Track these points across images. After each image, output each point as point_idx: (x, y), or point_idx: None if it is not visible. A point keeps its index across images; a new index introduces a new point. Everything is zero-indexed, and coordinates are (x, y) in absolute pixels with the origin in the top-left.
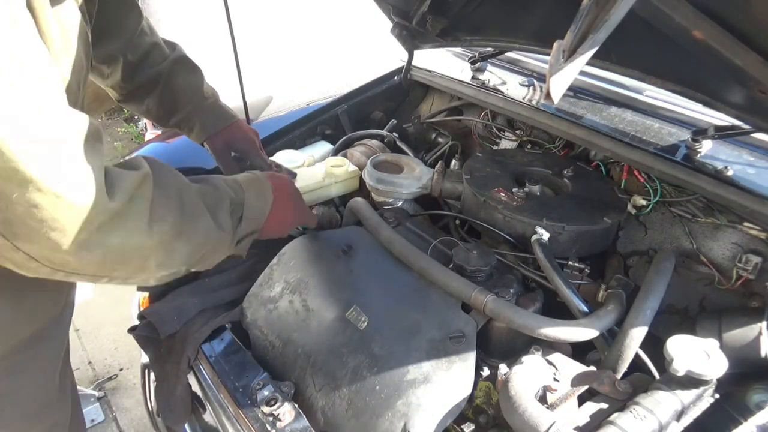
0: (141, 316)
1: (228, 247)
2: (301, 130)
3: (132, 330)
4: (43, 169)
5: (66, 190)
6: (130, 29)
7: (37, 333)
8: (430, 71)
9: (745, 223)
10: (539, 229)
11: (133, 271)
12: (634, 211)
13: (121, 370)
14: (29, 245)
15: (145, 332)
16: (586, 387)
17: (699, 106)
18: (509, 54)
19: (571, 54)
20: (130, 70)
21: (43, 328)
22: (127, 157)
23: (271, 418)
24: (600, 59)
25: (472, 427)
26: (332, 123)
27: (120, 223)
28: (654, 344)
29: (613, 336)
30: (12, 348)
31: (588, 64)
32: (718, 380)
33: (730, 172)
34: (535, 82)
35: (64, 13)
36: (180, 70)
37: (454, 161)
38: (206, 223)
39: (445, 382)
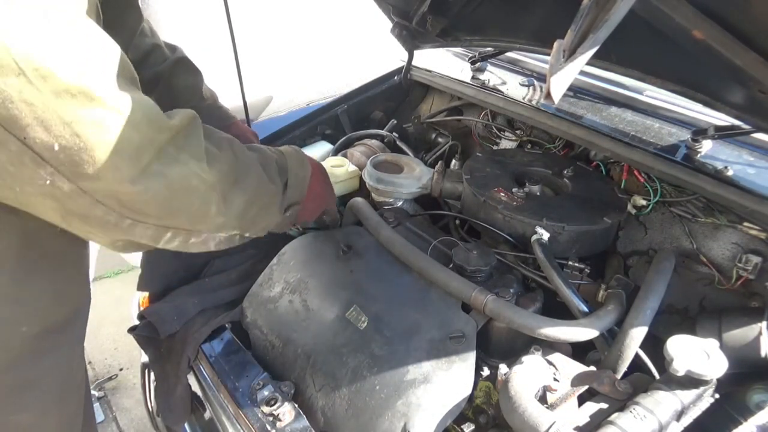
0: (141, 316)
1: (278, 208)
2: (301, 130)
3: (132, 330)
4: (106, 88)
5: (128, 107)
6: (131, 28)
7: (68, 317)
8: (430, 71)
9: (745, 223)
10: (539, 229)
11: (195, 218)
12: (634, 211)
13: (121, 370)
14: (95, 182)
15: (145, 332)
16: (586, 387)
17: (699, 106)
18: (509, 54)
19: (571, 54)
20: None
21: (74, 312)
22: None
23: (271, 418)
24: (600, 59)
25: (472, 427)
26: (332, 123)
27: (180, 150)
28: (654, 344)
29: (613, 336)
30: (44, 329)
31: (588, 64)
32: (718, 380)
33: (730, 172)
34: (535, 82)
35: None
36: (179, 71)
37: (454, 161)
38: (258, 174)
39: (445, 382)
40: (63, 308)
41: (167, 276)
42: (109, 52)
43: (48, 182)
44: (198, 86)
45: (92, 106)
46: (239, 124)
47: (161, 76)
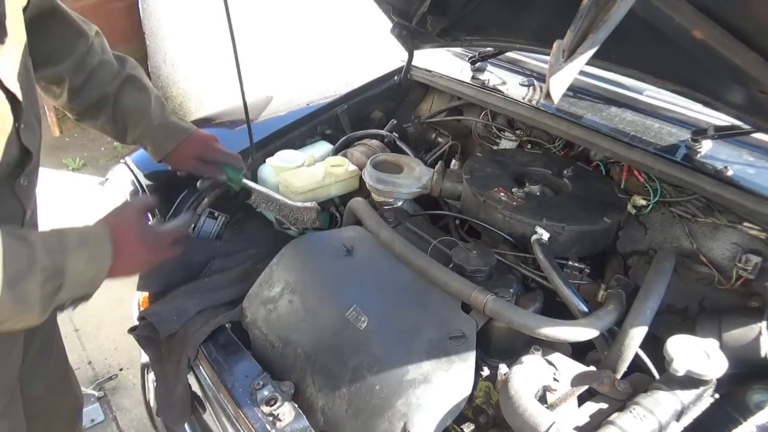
0: (141, 317)
1: (36, 317)
2: (301, 130)
3: (132, 330)
4: None
5: None
6: (77, 53)
7: None
8: (430, 71)
9: (745, 223)
10: (539, 229)
11: None
12: (634, 211)
13: (121, 370)
14: None
15: (145, 332)
16: (586, 387)
17: (699, 106)
18: (509, 54)
19: (571, 54)
20: (75, 91)
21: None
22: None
23: (271, 418)
24: (600, 59)
25: (472, 427)
26: (332, 123)
27: None
28: (654, 344)
29: (613, 336)
30: None
31: (588, 63)
32: (718, 380)
33: (730, 172)
34: (535, 82)
35: None
36: (127, 90)
37: (454, 161)
38: (6, 303)
39: (445, 382)
40: None
41: (167, 276)
42: None
43: None
44: (147, 105)
45: None
46: (195, 134)
47: (109, 96)
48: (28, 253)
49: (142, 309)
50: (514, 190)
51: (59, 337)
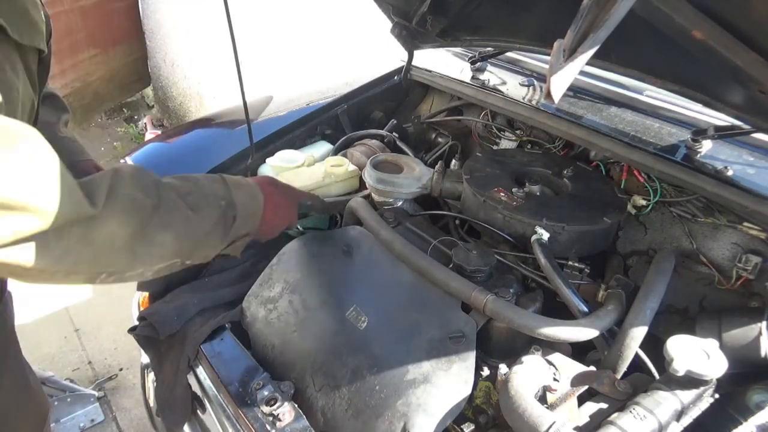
0: (141, 317)
1: (220, 241)
2: (301, 130)
3: (132, 330)
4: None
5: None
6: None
7: None
8: (430, 71)
9: (745, 223)
10: (539, 229)
11: (123, 265)
12: (634, 211)
13: (121, 370)
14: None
15: (145, 332)
16: (586, 387)
17: (699, 106)
18: (509, 54)
19: (571, 53)
20: None
21: None
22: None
23: (270, 418)
24: (600, 59)
25: (472, 427)
26: (332, 123)
27: (102, 223)
28: (654, 344)
29: (613, 336)
30: None
31: (588, 63)
32: (718, 380)
33: (730, 172)
34: (535, 82)
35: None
36: (45, 104)
37: (454, 161)
38: (185, 213)
39: (445, 382)
40: None
41: (166, 276)
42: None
43: None
44: (56, 124)
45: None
46: (90, 163)
47: None
48: (195, 186)
49: (142, 309)
50: (514, 190)
51: (16, 351)
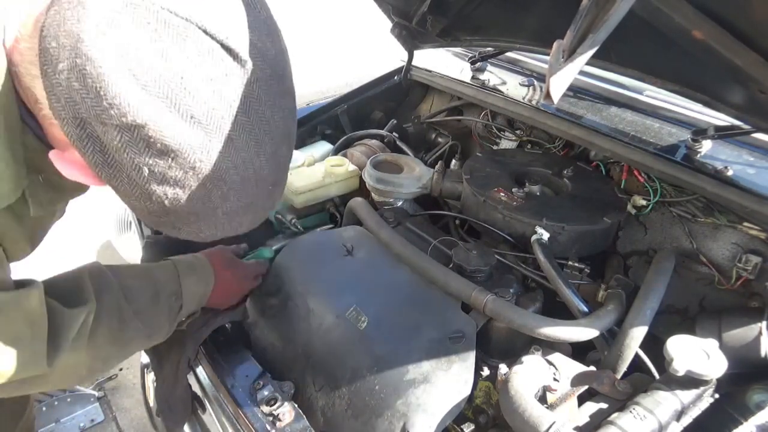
0: None
1: (163, 335)
2: (301, 130)
3: None
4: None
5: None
6: None
7: None
8: (430, 71)
9: (745, 223)
10: (539, 229)
11: (62, 383)
12: (634, 211)
13: (120, 370)
14: None
15: None
16: (586, 387)
17: (699, 106)
18: (509, 54)
19: (570, 54)
20: None
21: None
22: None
23: (271, 418)
24: (600, 59)
25: (472, 427)
26: (332, 123)
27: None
28: (654, 344)
29: (613, 336)
30: None
31: (588, 64)
32: (718, 380)
33: (730, 172)
34: (535, 82)
35: None
36: None
37: (454, 161)
38: (141, 339)
39: (445, 382)
40: None
41: None
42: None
43: None
44: None
45: None
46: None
47: None
48: (154, 288)
49: None
50: (514, 190)
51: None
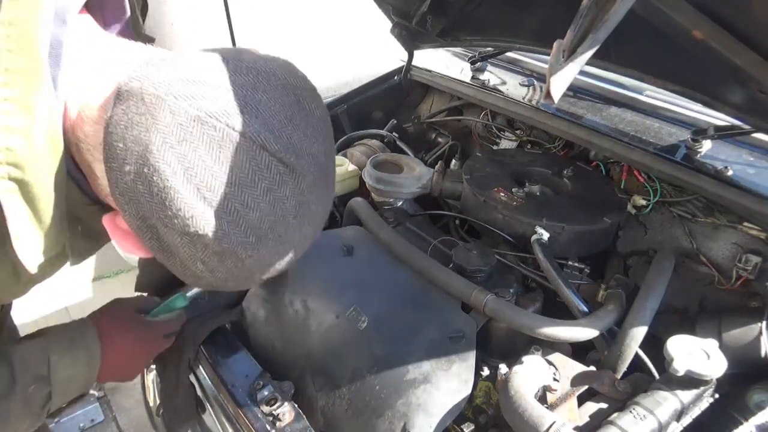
0: None
1: (27, 426)
2: None
3: None
4: None
5: None
6: None
7: None
8: (430, 71)
9: (745, 223)
10: (539, 229)
11: None
12: (634, 211)
13: None
14: None
15: None
16: (586, 387)
17: (699, 106)
18: (509, 54)
19: (571, 54)
20: None
21: None
22: None
23: (270, 418)
24: (600, 59)
25: (472, 427)
26: (332, 123)
27: None
28: (654, 344)
29: (613, 336)
30: None
31: (588, 63)
32: (718, 380)
33: (730, 172)
34: (535, 82)
35: None
36: None
37: (454, 161)
38: None
39: (445, 382)
40: None
41: (165, 276)
42: None
43: None
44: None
45: None
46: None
47: None
48: (8, 373)
49: None
50: (514, 190)
51: None
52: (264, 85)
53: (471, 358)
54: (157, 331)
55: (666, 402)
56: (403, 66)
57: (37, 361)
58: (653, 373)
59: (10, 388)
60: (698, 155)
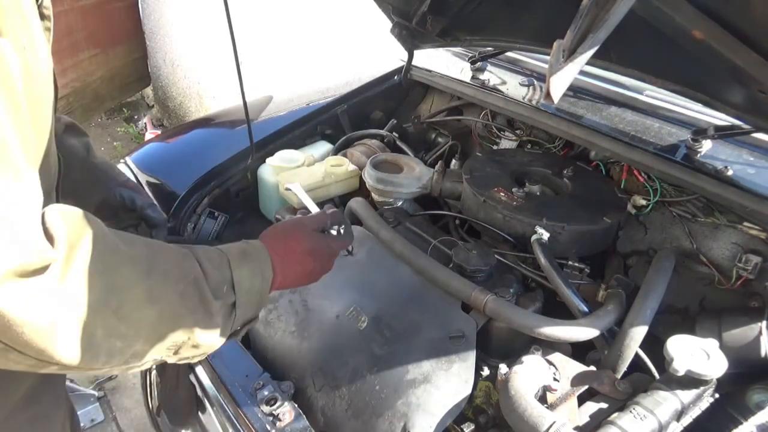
0: None
1: (214, 339)
2: (301, 130)
3: None
4: None
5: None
6: None
7: (41, 379)
8: (430, 71)
9: (745, 223)
10: (539, 229)
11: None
12: (634, 211)
13: None
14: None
15: None
16: (586, 387)
17: (699, 106)
18: (509, 54)
19: (571, 54)
20: None
21: (38, 383)
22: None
23: (271, 418)
24: (600, 59)
25: (472, 427)
26: (332, 123)
27: (67, 269)
28: (654, 344)
29: (613, 336)
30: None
31: (588, 63)
32: (718, 380)
33: (730, 172)
34: (535, 82)
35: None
36: (70, 133)
37: (454, 161)
38: (179, 297)
39: (445, 382)
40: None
41: None
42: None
43: None
44: (88, 144)
45: None
46: (130, 183)
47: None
48: (197, 267)
49: None
50: (514, 190)
51: None
52: None
53: (471, 358)
54: (335, 249)
55: (666, 402)
56: (403, 66)
57: (221, 262)
58: (653, 373)
59: (200, 283)
60: (698, 155)
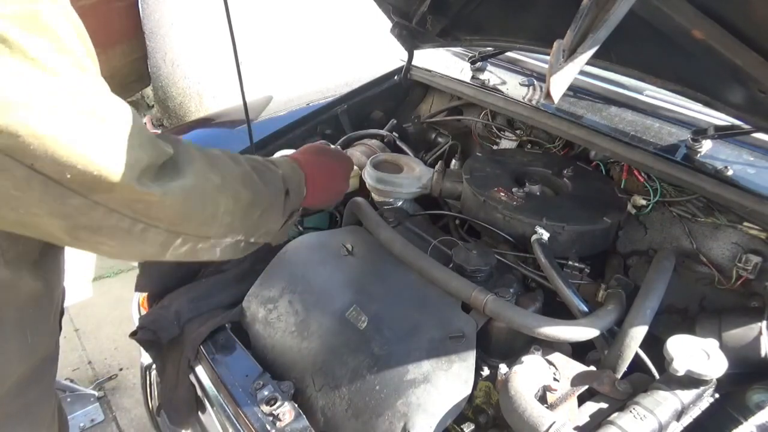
0: (141, 327)
1: (281, 213)
2: (301, 130)
3: (133, 335)
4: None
5: (128, 125)
6: None
7: (36, 366)
8: (430, 71)
9: (745, 223)
10: (539, 229)
11: (204, 222)
12: (634, 211)
13: (120, 370)
14: (109, 194)
15: (147, 336)
16: (586, 387)
17: (699, 106)
18: (509, 54)
19: (571, 54)
20: None
21: (41, 360)
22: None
23: (271, 418)
24: (600, 59)
25: (472, 427)
26: (332, 123)
27: (189, 159)
28: (654, 344)
29: (613, 336)
30: (11, 384)
31: (588, 63)
32: (718, 380)
33: (730, 172)
34: (535, 82)
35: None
36: None
37: (454, 161)
38: (255, 180)
39: (445, 382)
40: (31, 359)
41: (165, 276)
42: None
43: (58, 202)
44: None
45: (101, 127)
46: None
47: None
48: (255, 161)
49: (141, 313)
50: (514, 190)
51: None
52: None
53: (471, 358)
54: (348, 166)
55: (666, 402)
56: (403, 66)
57: (270, 162)
58: (653, 373)
59: (273, 172)
60: (698, 155)
